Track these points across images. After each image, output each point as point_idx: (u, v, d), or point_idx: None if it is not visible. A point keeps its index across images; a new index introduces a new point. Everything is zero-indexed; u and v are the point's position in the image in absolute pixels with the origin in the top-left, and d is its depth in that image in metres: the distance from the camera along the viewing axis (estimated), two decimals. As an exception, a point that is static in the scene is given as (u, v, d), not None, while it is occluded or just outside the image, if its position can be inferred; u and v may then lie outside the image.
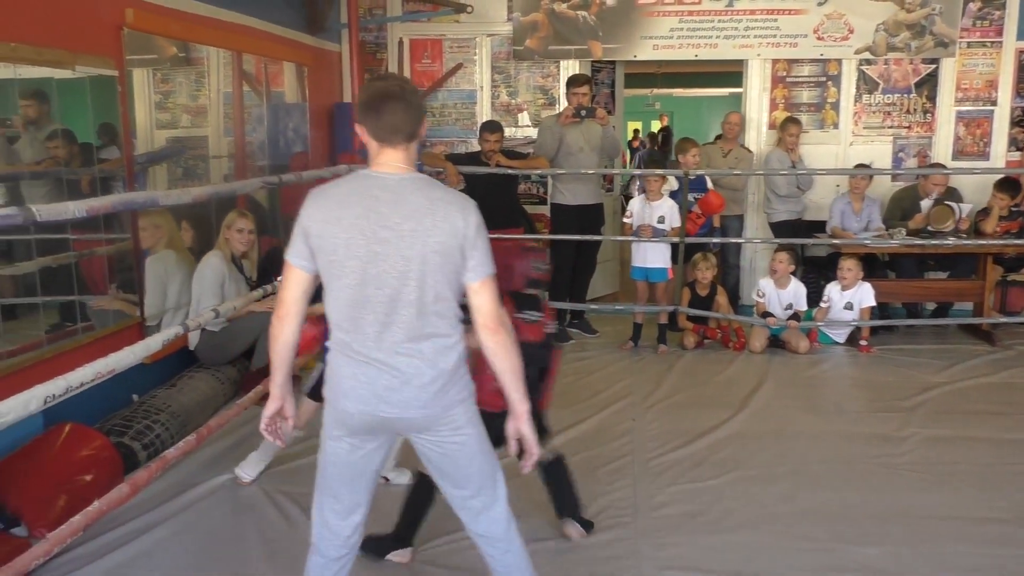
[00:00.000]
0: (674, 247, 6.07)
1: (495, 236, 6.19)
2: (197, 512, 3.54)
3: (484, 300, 2.21)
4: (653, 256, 6.06)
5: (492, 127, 6.23)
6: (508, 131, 7.19)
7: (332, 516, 2.36)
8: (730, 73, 8.21)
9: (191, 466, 3.93)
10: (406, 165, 2.20)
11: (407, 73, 7.34)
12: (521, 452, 2.35)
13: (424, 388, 2.19)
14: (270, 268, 5.04)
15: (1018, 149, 6.95)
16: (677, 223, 6.01)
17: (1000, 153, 7.00)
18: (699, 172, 6.32)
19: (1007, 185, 6.29)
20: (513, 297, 3.03)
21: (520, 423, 2.30)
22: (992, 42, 6.91)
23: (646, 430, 4.48)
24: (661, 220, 6.01)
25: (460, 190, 6.24)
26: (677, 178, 6.22)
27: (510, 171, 6.16)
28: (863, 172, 6.61)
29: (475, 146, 6.40)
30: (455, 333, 2.23)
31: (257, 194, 5.67)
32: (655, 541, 3.29)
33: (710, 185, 6.39)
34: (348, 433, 2.26)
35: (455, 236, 2.14)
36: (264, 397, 4.49)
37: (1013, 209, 6.31)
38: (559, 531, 3.32)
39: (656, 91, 16.32)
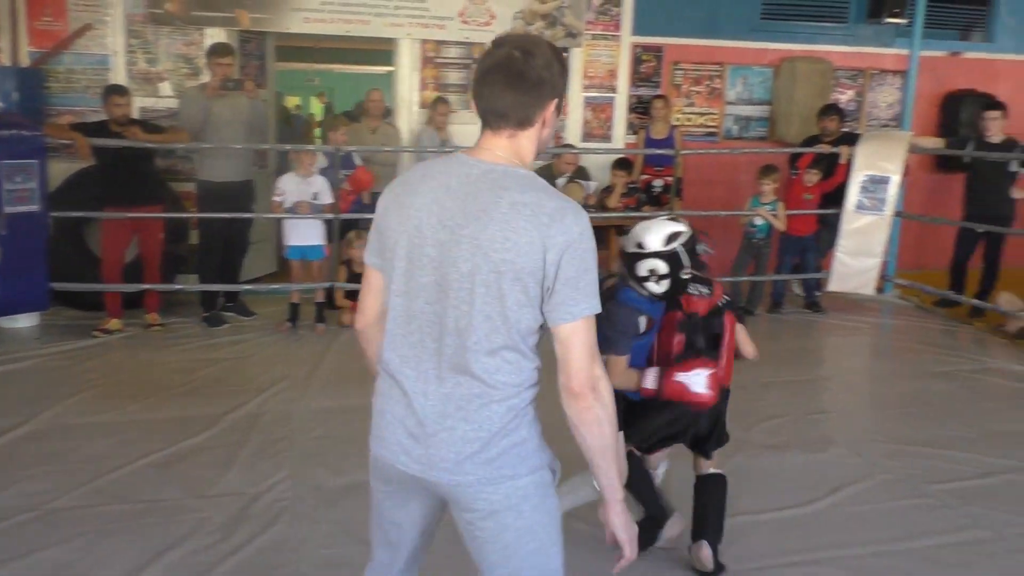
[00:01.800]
0: (329, 224, 6.07)
1: (137, 215, 5.76)
2: None
3: (572, 353, 1.62)
4: (309, 234, 6.00)
5: (119, 89, 5.80)
6: (148, 101, 6.70)
7: (379, 556, 1.95)
8: (386, 51, 8.30)
9: None
10: (508, 156, 1.70)
11: (22, 31, 6.52)
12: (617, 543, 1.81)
13: (454, 447, 1.66)
14: None
15: (634, 132, 7.82)
16: (330, 199, 6.00)
17: (620, 136, 7.83)
18: (350, 148, 6.36)
19: (623, 163, 7.06)
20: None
21: (610, 512, 1.75)
22: (612, 35, 7.68)
23: (305, 411, 4.44)
24: (315, 197, 5.96)
25: (91, 164, 5.73)
26: (327, 155, 6.21)
27: (148, 143, 5.74)
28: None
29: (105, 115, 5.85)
30: (514, 383, 1.67)
31: None
32: (315, 520, 3.29)
33: (358, 162, 6.46)
34: (382, 481, 1.82)
35: (531, 256, 1.59)
36: None
37: (630, 186, 7.09)
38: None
39: (315, 66, 16.03)
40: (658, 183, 7.22)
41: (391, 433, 1.73)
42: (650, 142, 7.29)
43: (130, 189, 5.73)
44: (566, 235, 1.61)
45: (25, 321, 5.72)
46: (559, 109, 1.76)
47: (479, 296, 1.62)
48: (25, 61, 6.56)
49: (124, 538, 3.13)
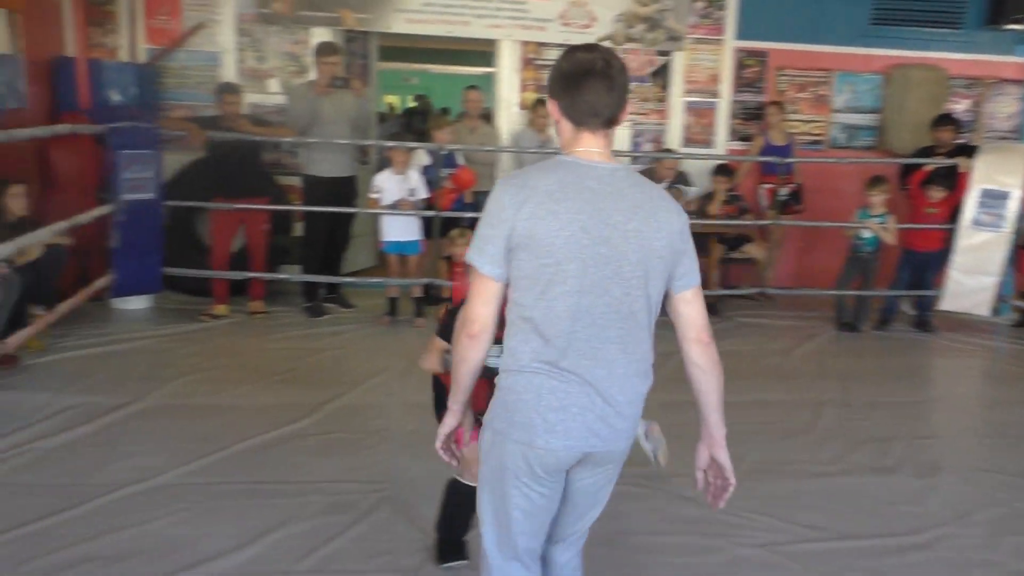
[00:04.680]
0: (427, 220, 6.12)
1: (244, 206, 5.97)
2: None
3: (699, 311, 1.94)
4: (407, 229, 6.07)
5: (231, 88, 5.97)
6: (257, 98, 6.88)
7: (510, 559, 2.00)
8: (485, 52, 8.36)
9: None
10: (609, 154, 1.89)
11: (139, 29, 6.78)
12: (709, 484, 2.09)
13: (633, 416, 1.92)
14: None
15: (738, 139, 7.66)
16: (425, 194, 6.07)
17: (722, 142, 7.69)
18: (454, 147, 6.40)
19: (724, 170, 6.93)
20: None
21: (719, 449, 2.02)
22: (715, 40, 7.55)
23: (401, 405, 4.47)
24: (412, 192, 6.03)
25: (202, 156, 5.93)
26: (430, 153, 6.27)
27: (256, 137, 5.91)
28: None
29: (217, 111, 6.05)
30: (652, 349, 1.95)
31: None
32: (411, 517, 3.28)
33: (461, 161, 6.50)
34: (542, 474, 1.89)
35: (674, 239, 1.87)
36: None
37: (731, 194, 6.96)
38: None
39: (413, 66, 16.28)
40: (784, 191, 7.06)
41: (579, 423, 1.84)
42: (770, 149, 7.14)
43: (238, 181, 5.91)
44: (683, 218, 1.91)
45: (138, 303, 5.95)
46: None
47: (650, 282, 1.85)
48: (142, 58, 6.82)
49: (226, 516, 3.20)
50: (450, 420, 2.05)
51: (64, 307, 5.13)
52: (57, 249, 5.13)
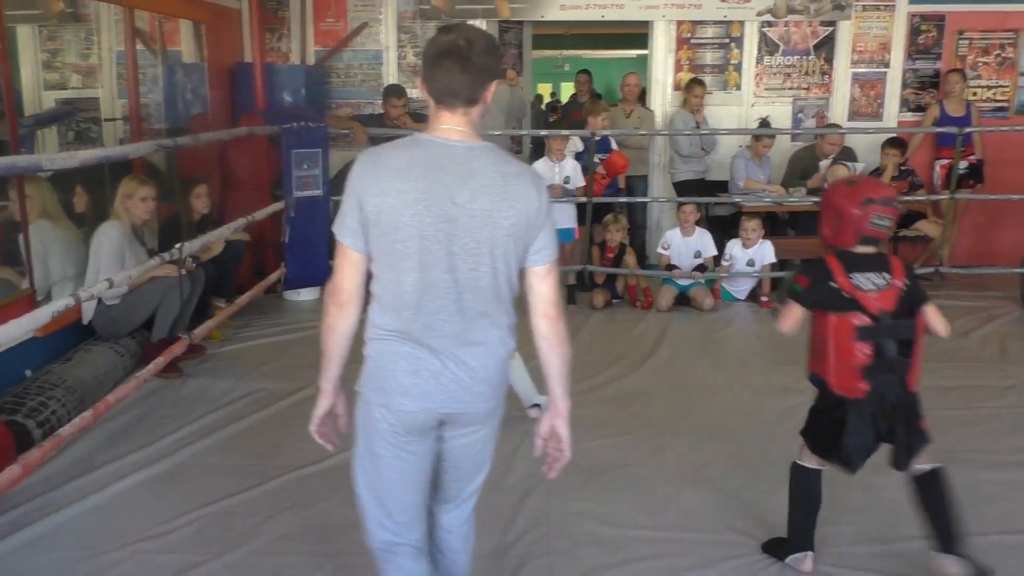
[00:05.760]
0: (579, 207, 6.13)
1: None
2: (100, 492, 3.41)
3: (549, 286, 2.00)
4: (560, 216, 6.09)
5: (397, 91, 6.15)
6: (415, 92, 7.09)
7: (391, 534, 2.13)
8: (638, 35, 8.27)
9: (91, 444, 3.80)
10: (469, 131, 1.94)
11: (309, 32, 7.15)
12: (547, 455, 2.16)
13: (490, 380, 2.01)
14: (170, 235, 4.88)
15: (910, 110, 7.21)
16: (582, 183, 6.06)
17: (892, 114, 7.26)
18: (604, 133, 6.38)
19: (896, 143, 6.54)
20: (841, 258, 2.60)
21: (560, 420, 2.09)
22: (886, 6, 7.12)
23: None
24: (567, 180, 6.04)
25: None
26: (583, 139, 6.27)
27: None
28: (765, 131, 6.77)
29: (381, 109, 6.30)
30: (513, 317, 2.03)
31: (154, 158, 5.47)
32: (565, 496, 3.34)
33: (614, 146, 6.46)
34: (405, 434, 2.01)
35: (527, 216, 1.92)
36: (167, 368, 4.42)
37: (902, 168, 6.57)
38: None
39: (565, 53, 16.32)
40: (962, 165, 6.60)
41: (433, 386, 1.96)
42: (947, 120, 6.68)
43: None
44: (544, 194, 1.96)
45: (308, 295, 6.30)
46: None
47: (498, 259, 1.91)
48: (311, 60, 7.19)
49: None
50: (322, 402, 2.14)
51: (243, 299, 5.51)
52: (237, 244, 5.52)
